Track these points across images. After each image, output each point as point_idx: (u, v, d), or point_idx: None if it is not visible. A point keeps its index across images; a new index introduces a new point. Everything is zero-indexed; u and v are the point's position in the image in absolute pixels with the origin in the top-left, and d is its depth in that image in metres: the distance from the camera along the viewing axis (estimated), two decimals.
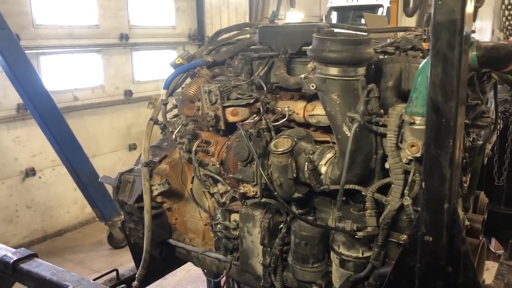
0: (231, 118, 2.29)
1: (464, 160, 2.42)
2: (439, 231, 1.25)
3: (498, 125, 2.47)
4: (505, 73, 1.71)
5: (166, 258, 3.16)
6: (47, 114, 5.07)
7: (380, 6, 11.37)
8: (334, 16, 12.22)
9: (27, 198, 6.11)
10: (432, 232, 1.26)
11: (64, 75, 6.43)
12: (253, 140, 2.08)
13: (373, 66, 2.05)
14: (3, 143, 5.78)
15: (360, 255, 2.06)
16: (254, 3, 10.05)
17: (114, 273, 3.25)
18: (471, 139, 2.58)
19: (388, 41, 2.18)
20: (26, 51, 5.69)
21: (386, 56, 2.10)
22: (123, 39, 7.15)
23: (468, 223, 2.12)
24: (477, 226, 2.16)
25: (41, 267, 2.51)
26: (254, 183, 2.17)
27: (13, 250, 2.67)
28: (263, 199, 2.20)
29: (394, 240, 1.95)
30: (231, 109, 2.28)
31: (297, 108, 2.32)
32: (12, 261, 2.53)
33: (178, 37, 8.25)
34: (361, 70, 1.89)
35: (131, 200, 2.89)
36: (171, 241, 3.02)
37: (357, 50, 1.84)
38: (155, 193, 2.74)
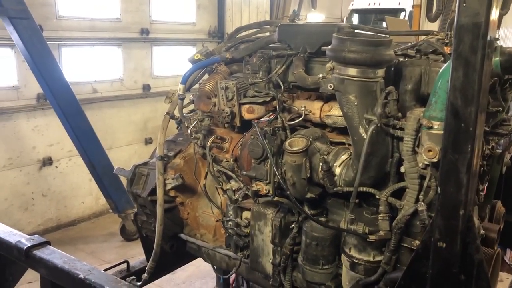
0: (247, 116, 2.28)
1: (482, 168, 2.38)
2: (453, 238, 1.23)
3: None
4: None
5: (176, 253, 3.17)
6: (66, 105, 5.13)
7: (403, 10, 11.24)
8: (355, 19, 12.12)
9: (43, 186, 6.19)
10: (445, 238, 1.24)
11: (84, 67, 6.50)
12: (268, 138, 2.07)
13: (392, 69, 2.03)
14: (22, 132, 5.86)
15: (371, 259, 2.04)
16: (275, 2, 10.04)
17: (125, 265, 3.27)
18: (490, 147, 2.53)
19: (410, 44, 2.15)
20: (48, 42, 5.79)
21: (406, 59, 2.07)
22: (143, 34, 7.21)
23: (483, 232, 2.08)
24: (492, 235, 2.12)
25: (54, 254, 2.54)
26: (267, 182, 2.16)
27: (27, 236, 2.71)
28: (276, 198, 2.19)
29: (407, 245, 1.93)
30: (247, 106, 2.27)
31: (314, 108, 2.30)
32: (25, 247, 2.56)
33: (198, 33, 8.29)
34: (380, 72, 1.87)
35: (144, 193, 2.90)
36: (182, 235, 3.03)
37: (377, 51, 1.82)
38: (168, 187, 2.75)
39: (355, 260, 2.05)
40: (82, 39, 6.39)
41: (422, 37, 2.46)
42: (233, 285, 4.84)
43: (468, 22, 1.17)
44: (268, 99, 2.27)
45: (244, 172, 2.23)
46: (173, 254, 3.21)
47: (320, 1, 12.61)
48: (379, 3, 11.78)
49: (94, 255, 5.76)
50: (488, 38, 1.21)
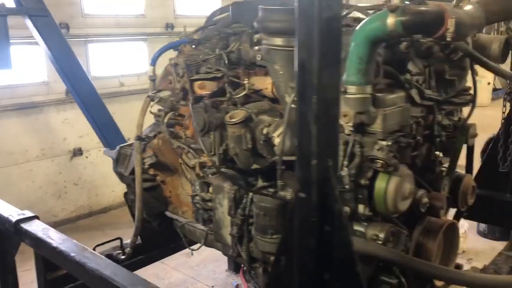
0: (198, 91, 2.38)
1: (439, 139, 2.34)
2: (309, 188, 1.26)
3: (475, 102, 2.34)
4: (436, 38, 1.64)
5: (167, 230, 3.33)
6: (87, 99, 5.42)
7: None
8: None
9: (75, 176, 6.58)
10: (304, 188, 1.27)
11: (110, 62, 6.82)
12: (208, 111, 2.16)
13: None
14: (53, 124, 6.27)
15: None
16: None
17: (118, 241, 3.47)
18: (455, 118, 2.48)
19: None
20: (75, 39, 6.15)
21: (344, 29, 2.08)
22: (168, 28, 7.44)
23: (427, 200, 2.06)
24: (437, 204, 2.08)
25: (38, 228, 2.75)
26: (212, 153, 2.25)
27: (19, 211, 2.94)
28: (223, 169, 2.27)
29: None
30: (199, 82, 2.37)
31: (266, 84, 2.36)
32: (15, 220, 2.80)
33: None
34: None
35: (127, 172, 3.08)
36: (167, 213, 3.18)
37: None
38: (145, 165, 2.90)
39: None
40: (108, 35, 6.70)
41: None
42: (244, 268, 4.96)
43: None
44: (219, 75, 2.35)
45: (192, 145, 2.33)
46: (162, 231, 3.37)
47: None
48: None
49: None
50: None
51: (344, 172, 1.83)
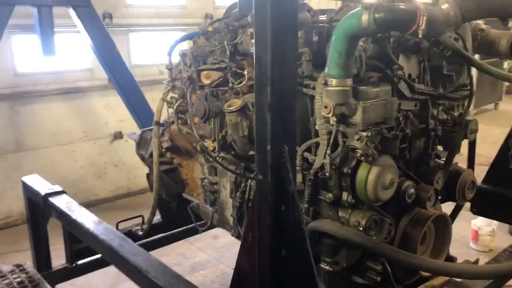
0: (205, 81, 2.54)
1: (434, 132, 2.39)
2: (265, 170, 1.38)
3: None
4: (410, 35, 1.70)
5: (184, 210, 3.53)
6: (125, 85, 5.74)
7: None
8: None
9: (115, 158, 6.96)
10: (261, 171, 1.39)
11: (151, 50, 7.12)
12: (208, 99, 2.31)
13: (325, 32, 2.15)
14: (96, 109, 6.66)
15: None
16: None
17: (140, 219, 3.71)
18: (456, 113, 2.51)
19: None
20: (117, 29, 6.49)
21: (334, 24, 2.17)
22: (207, 19, 7.64)
23: (413, 191, 2.12)
24: (422, 195, 2.14)
25: (63, 202, 3.03)
26: (212, 139, 2.41)
27: (50, 186, 3.25)
28: (221, 154, 2.43)
29: (322, 198, 2.07)
30: (205, 72, 2.53)
31: None
32: (44, 194, 3.10)
33: None
34: None
35: (147, 154, 3.31)
36: (184, 195, 3.38)
37: None
38: (162, 149, 3.11)
39: None
40: (149, 25, 7.00)
41: None
42: None
43: None
44: (224, 65, 2.50)
45: (195, 131, 2.50)
46: (179, 212, 3.58)
47: None
48: None
49: None
50: None
51: (327, 160, 1.94)
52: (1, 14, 4.76)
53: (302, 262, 1.44)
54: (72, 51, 6.31)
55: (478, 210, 3.16)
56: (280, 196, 1.40)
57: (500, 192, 3.03)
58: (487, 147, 4.45)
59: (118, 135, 6.93)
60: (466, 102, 2.45)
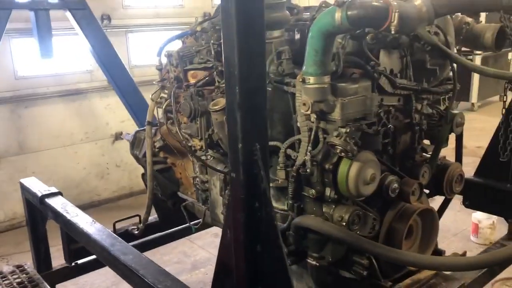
0: (191, 80, 2.57)
1: (418, 127, 2.40)
2: (237, 168, 1.41)
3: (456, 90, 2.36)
4: (383, 31, 1.71)
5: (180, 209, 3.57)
6: (123, 86, 5.79)
7: None
8: None
9: (117, 158, 7.02)
10: (233, 168, 1.42)
11: (150, 50, 7.16)
12: (193, 99, 2.34)
13: (307, 30, 2.17)
14: (96, 110, 6.72)
15: (286, 208, 2.22)
16: None
17: (137, 218, 3.76)
18: (442, 107, 2.52)
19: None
20: (116, 30, 6.54)
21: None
22: (206, 18, 7.67)
23: (396, 185, 2.14)
24: (406, 189, 2.15)
25: (59, 203, 3.08)
26: (199, 138, 2.44)
27: (46, 188, 3.30)
28: (209, 152, 2.46)
29: (306, 194, 2.09)
30: (191, 72, 2.56)
31: None
32: (40, 195, 3.15)
33: None
34: (275, 33, 2.04)
35: (140, 154, 3.35)
36: (179, 193, 3.42)
37: (268, 14, 1.99)
38: (155, 148, 3.15)
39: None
40: (147, 25, 7.04)
41: None
42: None
43: None
44: (210, 65, 2.53)
45: (183, 130, 2.53)
46: (175, 210, 3.62)
47: None
48: None
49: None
50: None
51: (307, 157, 1.97)
52: None
53: (276, 258, 1.47)
54: (71, 53, 6.37)
55: (470, 203, 3.17)
56: (252, 193, 1.43)
57: (492, 185, 3.03)
58: None
59: (119, 136, 6.98)
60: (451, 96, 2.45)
